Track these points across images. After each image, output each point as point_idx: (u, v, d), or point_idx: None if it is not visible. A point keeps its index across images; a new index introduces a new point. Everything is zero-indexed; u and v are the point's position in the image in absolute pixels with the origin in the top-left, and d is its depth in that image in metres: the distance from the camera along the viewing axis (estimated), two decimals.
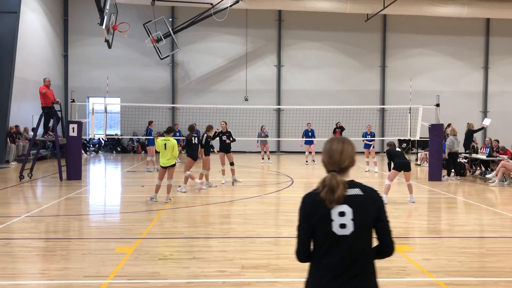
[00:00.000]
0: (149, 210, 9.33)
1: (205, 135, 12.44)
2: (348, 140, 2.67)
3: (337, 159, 2.59)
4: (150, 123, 17.20)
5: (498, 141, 15.48)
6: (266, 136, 20.61)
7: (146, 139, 17.25)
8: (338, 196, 2.47)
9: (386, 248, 2.70)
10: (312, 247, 2.61)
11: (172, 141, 10.17)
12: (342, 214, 2.50)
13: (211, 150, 13.24)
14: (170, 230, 7.79)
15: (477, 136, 19.51)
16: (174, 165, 10.22)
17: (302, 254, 2.64)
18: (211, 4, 23.53)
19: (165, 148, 10.09)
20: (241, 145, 18.24)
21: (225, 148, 13.63)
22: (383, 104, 27.22)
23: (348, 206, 2.50)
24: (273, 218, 9.18)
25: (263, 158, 20.10)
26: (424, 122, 15.79)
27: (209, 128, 12.53)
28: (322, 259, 2.54)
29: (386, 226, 2.62)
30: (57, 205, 10.01)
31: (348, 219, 2.49)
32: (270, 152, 24.04)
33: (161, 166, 10.20)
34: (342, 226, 2.49)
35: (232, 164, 13.38)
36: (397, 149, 10.80)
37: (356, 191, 2.54)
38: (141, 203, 10.06)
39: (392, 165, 10.50)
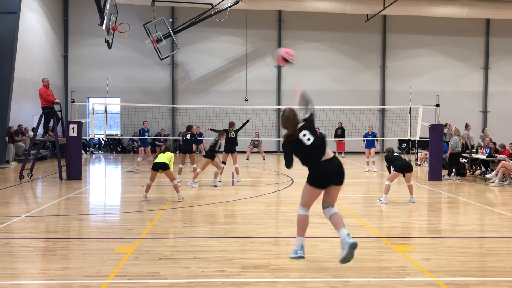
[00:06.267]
0: (149, 210, 9.34)
1: (218, 140, 12.95)
2: None
3: None
4: (143, 123, 17.31)
5: (495, 144, 15.49)
6: (259, 141, 21.27)
7: (138, 139, 17.39)
8: None
9: None
10: None
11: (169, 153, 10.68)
12: None
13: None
14: (170, 230, 7.79)
15: (475, 137, 19.55)
16: (168, 168, 10.29)
17: None
18: (211, 4, 23.54)
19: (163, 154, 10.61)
20: (241, 144, 18.26)
21: (231, 147, 13.76)
22: (383, 104, 27.23)
23: None
24: (273, 218, 9.18)
25: (247, 159, 20.55)
26: (424, 122, 15.81)
27: (222, 133, 13.18)
28: None
29: None
30: (57, 205, 10.02)
31: None
32: (271, 152, 24.10)
33: (152, 169, 10.32)
34: None
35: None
36: (395, 153, 10.81)
37: None
38: (141, 203, 10.10)
39: (392, 168, 10.52)
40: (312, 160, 5.04)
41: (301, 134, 5.11)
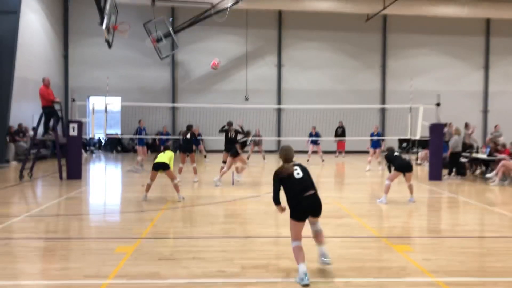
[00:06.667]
0: (149, 210, 9.33)
1: (248, 138, 14.07)
2: None
3: None
4: (139, 121, 17.34)
5: (495, 143, 15.49)
6: (260, 139, 21.56)
7: (135, 138, 17.51)
8: None
9: None
10: None
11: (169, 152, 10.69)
12: None
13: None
14: (170, 230, 7.79)
15: (477, 136, 19.56)
16: (168, 168, 10.28)
17: None
18: (211, 4, 23.50)
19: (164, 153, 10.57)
20: None
21: (231, 147, 13.86)
22: (384, 104, 27.22)
23: None
24: (273, 217, 9.17)
25: (248, 158, 20.64)
26: (424, 121, 15.79)
27: (248, 133, 14.40)
28: None
29: None
30: (57, 205, 10.01)
31: None
32: (271, 151, 24.11)
33: (153, 169, 10.30)
34: None
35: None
36: (396, 153, 10.74)
37: None
38: (141, 203, 10.10)
39: (393, 168, 10.49)
40: (297, 193, 5.42)
41: (294, 172, 5.52)
